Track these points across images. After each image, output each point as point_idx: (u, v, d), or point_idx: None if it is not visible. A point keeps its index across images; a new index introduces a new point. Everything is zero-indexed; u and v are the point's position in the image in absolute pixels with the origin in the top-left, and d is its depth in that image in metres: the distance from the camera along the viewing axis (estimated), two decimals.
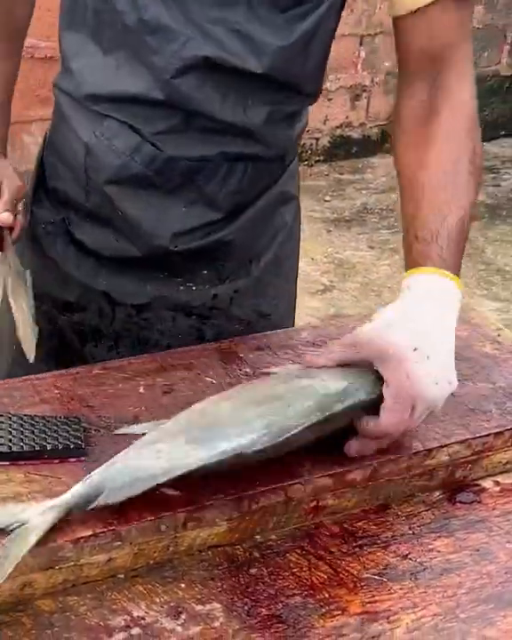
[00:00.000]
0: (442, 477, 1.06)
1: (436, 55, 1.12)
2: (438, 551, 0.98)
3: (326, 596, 0.91)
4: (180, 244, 1.26)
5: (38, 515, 0.88)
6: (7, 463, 0.97)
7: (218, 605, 0.90)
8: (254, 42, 1.12)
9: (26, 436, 0.99)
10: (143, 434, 0.96)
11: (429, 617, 0.90)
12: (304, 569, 0.94)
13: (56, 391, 1.11)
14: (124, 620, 0.88)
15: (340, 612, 0.90)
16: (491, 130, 4.97)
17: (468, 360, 1.21)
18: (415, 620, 0.89)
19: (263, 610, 0.89)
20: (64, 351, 1.34)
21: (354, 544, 0.98)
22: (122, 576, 0.93)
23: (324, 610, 0.90)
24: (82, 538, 0.89)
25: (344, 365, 0.98)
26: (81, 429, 1.01)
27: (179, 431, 0.94)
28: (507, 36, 4.86)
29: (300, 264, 1.46)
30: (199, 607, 0.90)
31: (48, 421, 1.02)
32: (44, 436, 0.99)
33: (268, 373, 1.09)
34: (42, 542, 0.87)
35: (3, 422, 1.00)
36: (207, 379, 1.16)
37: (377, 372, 0.95)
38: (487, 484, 1.09)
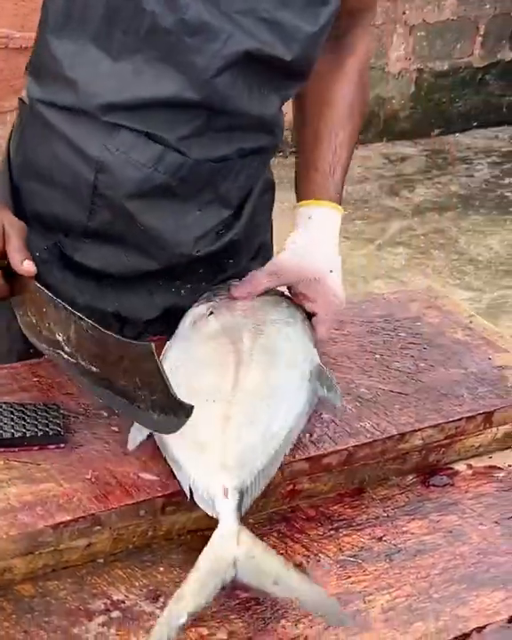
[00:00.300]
0: (415, 461, 1.08)
1: (352, 16, 1.23)
2: (412, 533, 1.00)
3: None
4: (202, 248, 1.21)
5: None
6: None
7: None
8: (285, 29, 1.10)
9: (5, 424, 0.99)
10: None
11: (403, 597, 0.92)
12: (281, 551, 0.96)
13: (35, 379, 1.11)
14: (104, 603, 0.89)
15: None
16: (463, 121, 5.00)
17: (441, 347, 1.23)
18: (390, 601, 0.91)
19: (241, 592, 0.91)
20: None
21: (330, 527, 1.00)
22: (101, 560, 0.94)
23: None
24: (62, 523, 0.90)
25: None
26: (60, 416, 1.02)
27: None
28: (479, 28, 4.89)
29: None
30: (178, 590, 0.91)
31: (27, 409, 1.02)
32: (23, 423, 1.00)
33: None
34: (22, 528, 0.88)
35: None
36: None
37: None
38: (460, 467, 1.11)
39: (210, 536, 0.97)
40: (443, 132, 4.95)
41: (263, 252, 1.33)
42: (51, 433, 1.00)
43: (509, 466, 1.11)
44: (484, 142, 4.90)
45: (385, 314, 1.30)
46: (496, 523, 1.02)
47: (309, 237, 1.16)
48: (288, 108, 1.26)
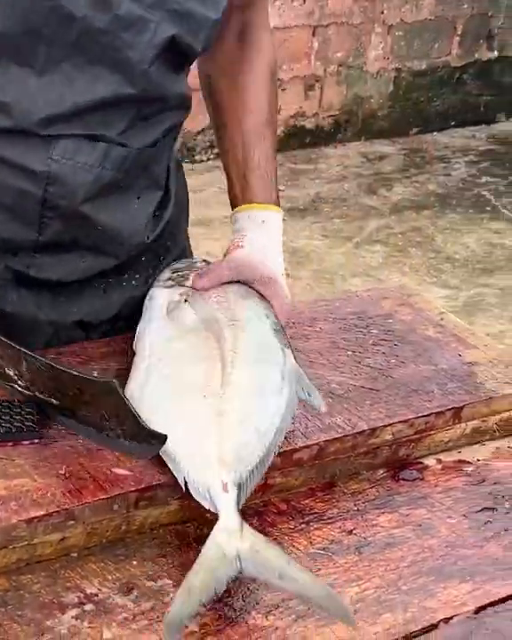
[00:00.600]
0: (386, 456, 1.10)
1: (244, 10, 1.27)
2: (382, 526, 1.01)
3: None
4: (150, 234, 1.25)
5: None
6: None
7: (169, 581, 0.93)
8: (196, 19, 1.13)
9: None
10: None
11: (372, 589, 0.93)
12: None
13: None
14: (78, 597, 0.90)
15: None
16: (441, 120, 5.04)
17: (412, 343, 1.25)
18: (359, 593, 0.93)
19: None
20: None
21: (301, 520, 1.01)
22: (75, 554, 0.95)
23: None
24: (35, 517, 0.91)
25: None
26: (34, 412, 1.03)
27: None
28: (457, 28, 4.93)
29: None
30: (150, 583, 0.92)
31: (2, 405, 1.03)
32: None
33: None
34: None
35: None
36: None
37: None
38: (430, 461, 1.13)
39: (182, 530, 0.99)
40: (421, 131, 4.99)
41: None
42: (25, 429, 1.01)
43: (478, 460, 1.13)
44: (461, 141, 4.94)
45: (358, 311, 1.32)
46: (464, 516, 1.03)
47: (267, 239, 1.21)
48: None
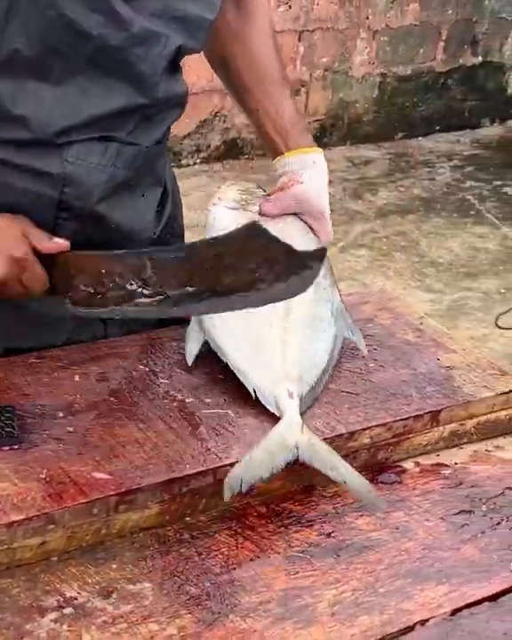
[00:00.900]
0: (364, 459, 1.11)
1: None
2: (360, 529, 1.02)
3: (252, 573, 0.95)
4: (156, 230, 1.31)
5: None
6: None
7: (148, 585, 0.93)
8: (194, 22, 1.17)
9: None
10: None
11: (350, 592, 0.94)
12: (232, 548, 0.98)
13: None
14: (57, 600, 0.91)
15: (265, 589, 0.94)
16: (426, 125, 5.06)
17: (391, 348, 1.26)
18: (336, 595, 0.94)
19: (192, 588, 0.93)
20: None
21: (280, 523, 1.02)
22: (55, 558, 0.95)
23: (249, 587, 0.94)
24: (15, 522, 0.92)
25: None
26: (14, 418, 1.04)
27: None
28: (441, 33, 4.95)
29: None
30: (130, 586, 0.93)
31: None
32: None
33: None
34: None
35: None
36: (140, 366, 1.19)
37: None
38: (408, 465, 1.14)
39: (162, 533, 0.99)
40: (406, 135, 5.01)
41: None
42: (5, 434, 1.01)
43: (456, 463, 1.14)
44: (446, 146, 4.96)
45: None
46: (441, 519, 1.04)
47: (320, 178, 1.28)
48: None
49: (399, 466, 1.13)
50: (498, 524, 1.04)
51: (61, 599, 0.91)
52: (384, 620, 0.91)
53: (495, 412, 1.19)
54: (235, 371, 1.14)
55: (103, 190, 1.18)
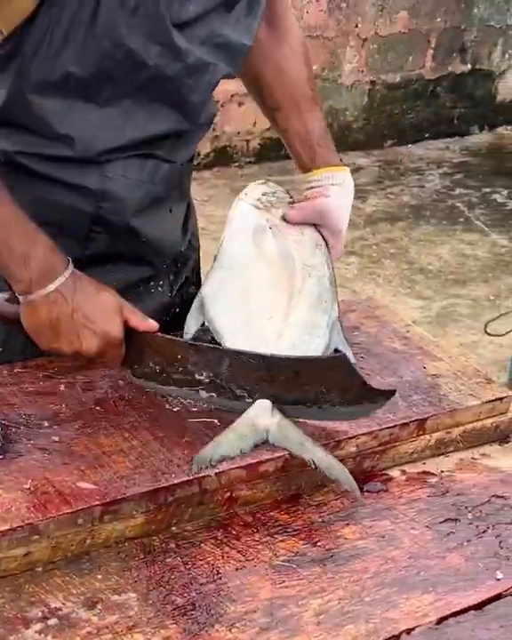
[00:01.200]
0: (351, 467, 1.10)
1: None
2: (346, 538, 1.02)
3: (238, 583, 0.95)
4: (184, 243, 1.34)
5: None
6: None
7: (133, 595, 0.93)
8: (234, 48, 1.19)
9: None
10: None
11: (336, 601, 0.94)
12: (218, 558, 0.98)
13: None
14: (42, 611, 0.90)
15: (250, 598, 0.93)
16: (416, 132, 5.08)
17: (377, 356, 1.26)
18: (322, 605, 0.93)
19: (177, 598, 0.93)
20: None
21: (266, 533, 1.02)
22: (40, 569, 0.95)
23: (235, 596, 0.93)
24: (0, 532, 0.91)
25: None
26: None
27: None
28: (431, 41, 4.97)
29: None
30: (115, 597, 0.92)
31: None
32: None
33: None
34: None
35: None
36: (126, 376, 1.19)
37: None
38: (394, 473, 1.14)
39: (148, 543, 0.99)
40: (395, 143, 5.02)
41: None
42: None
43: (442, 472, 1.14)
44: (435, 153, 4.98)
45: None
46: (427, 527, 1.04)
47: (345, 197, 1.32)
48: None
49: (385, 474, 1.13)
50: (483, 532, 1.04)
51: (46, 610, 0.90)
52: (370, 629, 0.91)
53: (481, 420, 1.19)
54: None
55: (138, 205, 1.20)
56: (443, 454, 1.17)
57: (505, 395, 1.21)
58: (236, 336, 1.18)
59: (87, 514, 0.96)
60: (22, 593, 0.92)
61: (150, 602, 0.92)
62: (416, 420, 1.14)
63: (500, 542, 1.03)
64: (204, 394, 1.11)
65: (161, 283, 1.33)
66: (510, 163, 4.92)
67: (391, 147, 5.00)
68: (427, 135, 5.11)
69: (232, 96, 4.32)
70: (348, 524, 1.04)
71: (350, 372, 1.07)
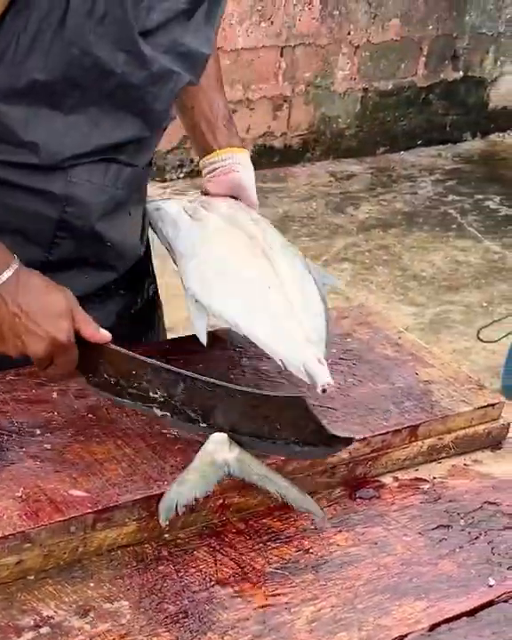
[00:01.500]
0: (343, 474, 1.10)
1: None
2: (338, 545, 1.02)
3: (231, 590, 0.95)
4: (142, 246, 1.36)
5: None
6: None
7: (126, 603, 0.93)
8: (195, 57, 1.20)
9: None
10: None
11: (328, 608, 0.94)
12: (210, 565, 0.98)
13: None
14: (34, 619, 0.90)
15: (243, 606, 0.93)
16: (408, 139, 5.10)
17: (369, 362, 1.26)
18: (315, 612, 0.93)
19: (170, 606, 0.93)
20: None
21: (258, 540, 1.02)
22: (32, 577, 0.95)
23: (227, 604, 0.93)
24: None
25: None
26: None
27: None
28: (423, 49, 4.99)
29: None
30: (107, 605, 0.92)
31: None
32: None
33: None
34: None
35: None
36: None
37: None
38: (386, 479, 1.14)
39: (140, 550, 0.99)
40: (388, 150, 5.04)
41: None
42: None
43: (434, 478, 1.14)
44: (427, 160, 4.99)
45: None
46: (420, 534, 1.04)
47: (249, 173, 1.36)
48: None
49: (378, 481, 1.13)
50: (476, 538, 1.04)
51: (38, 618, 0.90)
52: (363, 636, 0.91)
53: (473, 426, 1.19)
54: (257, 343, 1.12)
55: (103, 210, 1.21)
56: (435, 461, 1.17)
57: (497, 401, 1.21)
58: (256, 321, 1.12)
59: (79, 521, 0.96)
60: (14, 601, 0.92)
61: (143, 609, 0.92)
62: (408, 427, 1.14)
63: (492, 548, 1.03)
64: (158, 412, 1.07)
65: (123, 286, 1.33)
66: (503, 169, 4.94)
67: (384, 154, 5.02)
68: (419, 142, 5.13)
69: None
70: (340, 531, 1.04)
71: (306, 413, 1.02)
